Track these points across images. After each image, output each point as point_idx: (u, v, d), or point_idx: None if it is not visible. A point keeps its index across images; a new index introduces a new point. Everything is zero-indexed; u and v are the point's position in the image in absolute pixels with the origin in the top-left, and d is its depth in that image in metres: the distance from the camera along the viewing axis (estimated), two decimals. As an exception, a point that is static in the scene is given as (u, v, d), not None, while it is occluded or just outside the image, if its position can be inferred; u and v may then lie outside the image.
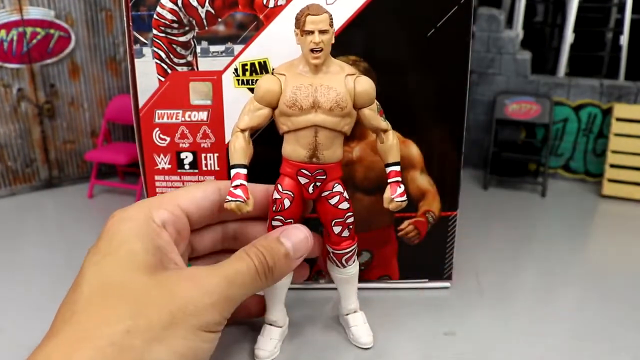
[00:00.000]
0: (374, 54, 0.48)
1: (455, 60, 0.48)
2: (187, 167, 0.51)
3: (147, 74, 0.49)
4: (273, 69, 0.46)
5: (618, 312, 0.52)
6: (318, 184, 0.43)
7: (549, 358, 0.46)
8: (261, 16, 0.47)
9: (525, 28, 0.87)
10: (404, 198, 0.43)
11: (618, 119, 0.78)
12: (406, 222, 0.53)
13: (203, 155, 0.51)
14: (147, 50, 0.48)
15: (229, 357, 0.46)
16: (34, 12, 0.74)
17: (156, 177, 0.52)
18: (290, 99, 0.40)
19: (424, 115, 0.50)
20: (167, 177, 0.52)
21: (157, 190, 0.52)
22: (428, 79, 0.48)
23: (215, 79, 0.49)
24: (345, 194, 0.44)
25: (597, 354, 0.46)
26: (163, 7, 0.47)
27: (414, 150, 0.51)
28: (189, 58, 0.48)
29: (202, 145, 0.51)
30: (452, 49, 0.48)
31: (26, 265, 0.62)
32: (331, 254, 0.46)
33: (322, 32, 0.40)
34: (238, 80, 0.48)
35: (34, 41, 0.75)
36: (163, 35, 0.48)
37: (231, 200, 0.40)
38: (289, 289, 0.46)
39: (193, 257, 0.47)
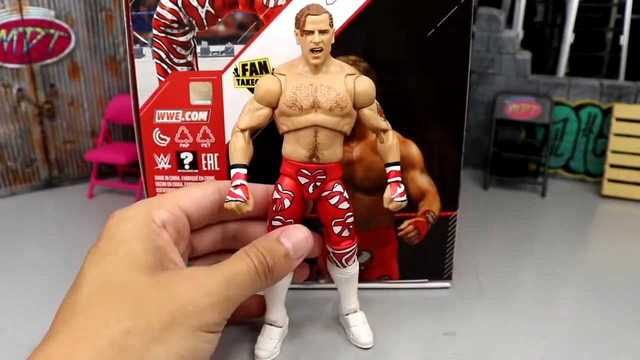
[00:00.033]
0: (374, 54, 0.48)
1: (455, 60, 0.48)
2: (187, 167, 0.51)
3: (147, 74, 0.49)
4: (273, 69, 0.46)
5: (618, 312, 0.52)
6: (318, 183, 0.43)
7: (549, 358, 0.46)
8: (261, 16, 0.47)
9: (525, 28, 0.87)
10: (404, 198, 0.43)
11: (618, 119, 0.78)
12: (406, 222, 0.53)
13: (203, 155, 0.51)
14: (147, 50, 0.48)
15: (229, 357, 0.46)
16: (34, 12, 0.74)
17: (156, 177, 0.52)
18: (290, 98, 0.40)
19: (424, 115, 0.50)
20: (167, 177, 0.52)
21: (157, 190, 0.52)
22: (428, 79, 0.48)
23: (215, 79, 0.49)
24: (345, 194, 0.44)
25: (597, 354, 0.46)
26: (163, 7, 0.47)
27: (414, 150, 0.50)
28: (189, 58, 0.48)
29: (202, 145, 0.51)
30: (452, 49, 0.47)
31: (26, 265, 0.62)
32: (331, 254, 0.46)
33: (322, 32, 0.40)
34: (238, 80, 0.48)
35: (34, 41, 0.75)
36: (163, 35, 0.48)
37: (231, 200, 0.40)
38: (289, 289, 0.46)
39: (193, 257, 0.47)
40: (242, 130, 0.42)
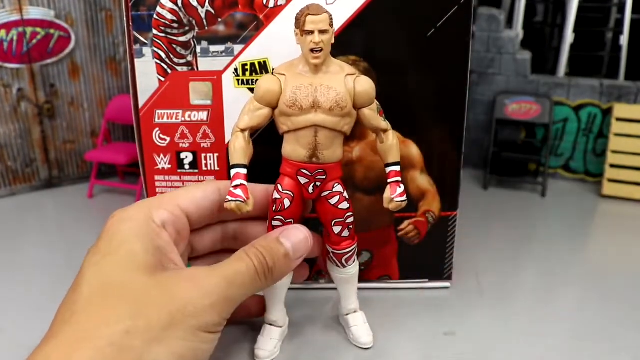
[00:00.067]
0: (374, 54, 0.48)
1: (455, 60, 0.48)
2: (187, 167, 0.51)
3: (147, 74, 0.49)
4: (273, 69, 0.46)
5: (618, 312, 0.52)
6: (318, 183, 0.43)
7: (549, 358, 0.46)
8: (261, 16, 0.47)
9: (525, 28, 0.87)
10: (404, 198, 0.43)
11: (618, 119, 0.78)
12: (406, 222, 0.53)
13: (203, 155, 0.51)
14: (147, 50, 0.48)
15: (229, 357, 0.46)
16: (34, 12, 0.74)
17: (156, 177, 0.52)
18: (290, 98, 0.40)
19: (424, 115, 0.50)
20: (167, 177, 0.52)
21: (157, 190, 0.52)
22: (428, 79, 0.48)
23: (215, 79, 0.49)
24: (345, 194, 0.44)
25: (597, 354, 0.46)
26: (163, 7, 0.47)
27: (414, 150, 0.50)
28: (189, 58, 0.48)
29: (202, 145, 0.51)
30: (452, 49, 0.47)
31: (26, 265, 0.62)
32: (331, 254, 0.46)
33: (322, 32, 0.40)
34: (238, 80, 0.48)
35: (34, 41, 0.75)
36: (163, 35, 0.48)
37: (231, 200, 0.40)
38: (289, 289, 0.46)
39: (193, 257, 0.47)
40: (242, 130, 0.42)
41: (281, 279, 0.43)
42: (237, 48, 0.48)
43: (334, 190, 0.43)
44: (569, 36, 0.85)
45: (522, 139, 0.83)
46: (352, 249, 0.46)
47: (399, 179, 0.44)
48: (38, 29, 0.75)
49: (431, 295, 0.55)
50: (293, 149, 0.42)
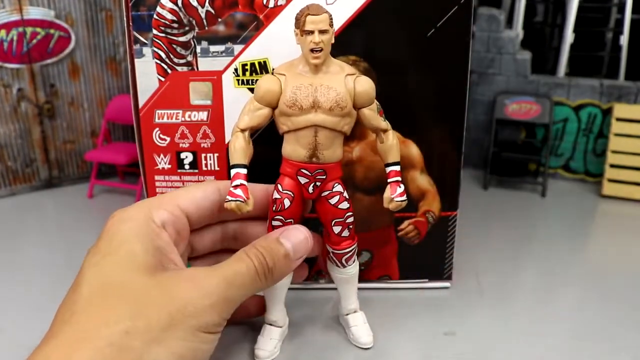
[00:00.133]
0: (374, 54, 0.48)
1: (455, 60, 0.48)
2: (187, 167, 0.51)
3: (147, 74, 0.49)
4: (273, 69, 0.46)
5: (618, 312, 0.52)
6: (318, 183, 0.43)
7: (549, 358, 0.46)
8: (261, 16, 0.47)
9: (525, 28, 0.87)
10: (404, 198, 0.43)
11: (618, 119, 0.78)
12: (406, 222, 0.53)
13: (203, 155, 0.51)
14: (147, 50, 0.48)
15: (229, 357, 0.46)
16: (34, 12, 0.74)
17: (156, 177, 0.52)
18: (290, 98, 0.40)
19: (424, 115, 0.50)
20: (167, 177, 0.52)
21: (157, 190, 0.52)
22: (428, 79, 0.48)
23: (215, 79, 0.49)
24: (345, 194, 0.44)
25: (597, 354, 0.46)
26: (163, 7, 0.47)
27: (414, 150, 0.50)
28: (189, 58, 0.48)
29: (202, 145, 0.51)
30: (452, 49, 0.47)
31: (26, 265, 0.62)
32: (331, 254, 0.46)
33: (322, 32, 0.40)
34: (238, 80, 0.48)
35: (34, 41, 0.75)
36: (163, 35, 0.48)
37: (231, 200, 0.40)
38: (289, 289, 0.46)
39: (193, 257, 0.47)
40: (242, 130, 0.42)
41: (281, 279, 0.43)
42: (237, 48, 0.48)
43: (334, 190, 0.43)
44: (569, 36, 0.85)
45: (522, 139, 0.83)
46: (352, 249, 0.46)
47: (399, 178, 0.44)
48: (38, 29, 0.75)
49: (431, 295, 0.55)
50: (293, 149, 0.42)
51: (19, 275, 0.60)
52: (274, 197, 0.43)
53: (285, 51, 0.43)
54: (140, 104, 0.49)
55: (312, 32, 0.39)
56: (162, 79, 0.49)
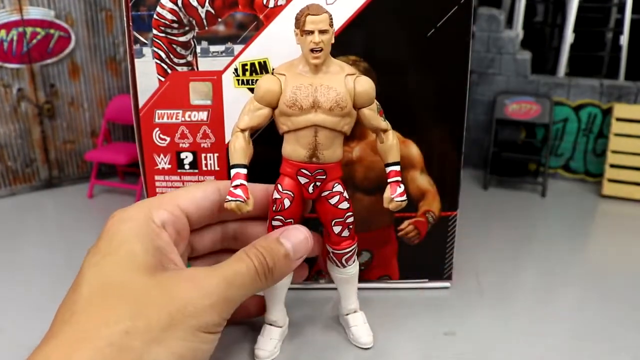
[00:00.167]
0: (374, 54, 0.48)
1: (455, 60, 0.48)
2: (187, 167, 0.51)
3: (147, 74, 0.49)
4: (273, 69, 0.46)
5: (618, 312, 0.52)
6: (318, 183, 0.43)
7: (549, 358, 0.46)
8: (261, 16, 0.47)
9: (525, 28, 0.87)
10: (404, 198, 0.43)
11: (618, 119, 0.78)
12: (406, 222, 0.53)
13: (203, 155, 0.51)
14: (147, 50, 0.48)
15: (229, 357, 0.46)
16: (34, 12, 0.74)
17: (156, 177, 0.52)
18: (290, 98, 0.40)
19: (424, 115, 0.50)
20: (167, 177, 0.52)
21: (157, 190, 0.52)
22: (428, 79, 0.48)
23: (215, 79, 0.49)
24: (345, 194, 0.44)
25: (597, 354, 0.46)
26: (163, 7, 0.47)
27: (414, 150, 0.50)
28: (189, 58, 0.48)
29: (202, 145, 0.51)
30: (452, 49, 0.47)
31: (26, 265, 0.62)
32: (331, 254, 0.46)
33: (322, 32, 0.40)
34: (238, 80, 0.48)
35: (34, 41, 0.75)
36: (163, 35, 0.48)
37: (231, 200, 0.40)
38: (289, 289, 0.46)
39: (193, 257, 0.47)
40: (242, 130, 0.42)
41: (281, 279, 0.43)
42: (237, 48, 0.48)
43: (334, 190, 0.43)
44: (569, 36, 0.85)
45: (522, 139, 0.83)
46: (352, 249, 0.46)
47: (399, 178, 0.44)
48: (38, 29, 0.75)
49: (431, 295, 0.55)
50: (293, 148, 0.42)
51: (19, 275, 0.60)
52: (274, 197, 0.43)
53: (285, 51, 0.43)
54: (140, 104, 0.49)
55: (312, 32, 0.39)
56: (162, 79, 0.49)
